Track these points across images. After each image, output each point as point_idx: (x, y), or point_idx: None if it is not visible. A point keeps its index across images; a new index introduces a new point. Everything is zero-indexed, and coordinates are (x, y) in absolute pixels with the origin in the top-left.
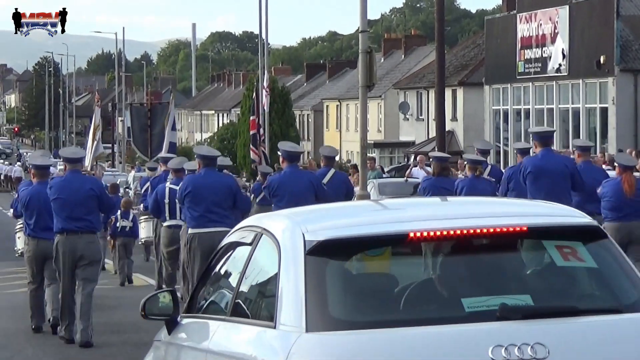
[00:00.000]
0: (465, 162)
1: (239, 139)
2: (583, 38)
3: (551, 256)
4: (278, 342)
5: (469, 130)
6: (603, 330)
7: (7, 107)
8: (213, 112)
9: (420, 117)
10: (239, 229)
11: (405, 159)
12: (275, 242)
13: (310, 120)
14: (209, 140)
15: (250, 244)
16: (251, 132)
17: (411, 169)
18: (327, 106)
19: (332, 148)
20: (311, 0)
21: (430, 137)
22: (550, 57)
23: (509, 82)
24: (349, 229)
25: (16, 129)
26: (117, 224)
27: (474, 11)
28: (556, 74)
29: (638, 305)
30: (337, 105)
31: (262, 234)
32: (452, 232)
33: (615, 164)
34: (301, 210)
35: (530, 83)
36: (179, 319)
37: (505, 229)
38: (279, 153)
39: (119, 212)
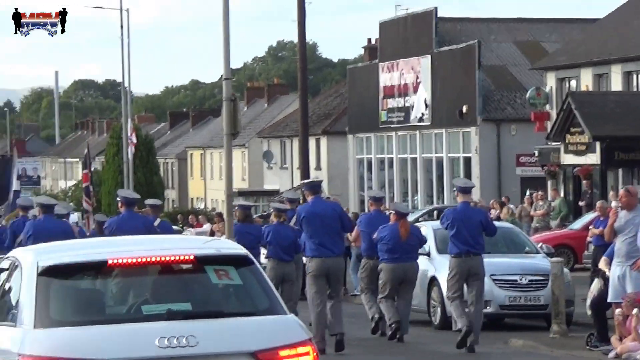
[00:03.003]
0: (272, 210)
1: (104, 187)
2: (445, 87)
3: (209, 276)
4: (17, 337)
5: (333, 179)
6: (238, 327)
7: None
8: (77, 159)
9: (284, 165)
10: (5, 258)
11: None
12: (21, 268)
13: (174, 168)
14: (73, 188)
15: (8, 269)
16: (84, 185)
17: None
18: (192, 154)
19: (156, 199)
20: (174, 49)
21: (294, 185)
22: (412, 107)
23: (372, 132)
24: (69, 258)
25: None
26: None
27: (335, 60)
28: (419, 124)
29: (268, 310)
30: (202, 154)
31: (16, 262)
32: (140, 260)
33: (392, 210)
34: (47, 245)
35: (394, 132)
36: None
37: (178, 257)
38: (118, 199)
39: None
